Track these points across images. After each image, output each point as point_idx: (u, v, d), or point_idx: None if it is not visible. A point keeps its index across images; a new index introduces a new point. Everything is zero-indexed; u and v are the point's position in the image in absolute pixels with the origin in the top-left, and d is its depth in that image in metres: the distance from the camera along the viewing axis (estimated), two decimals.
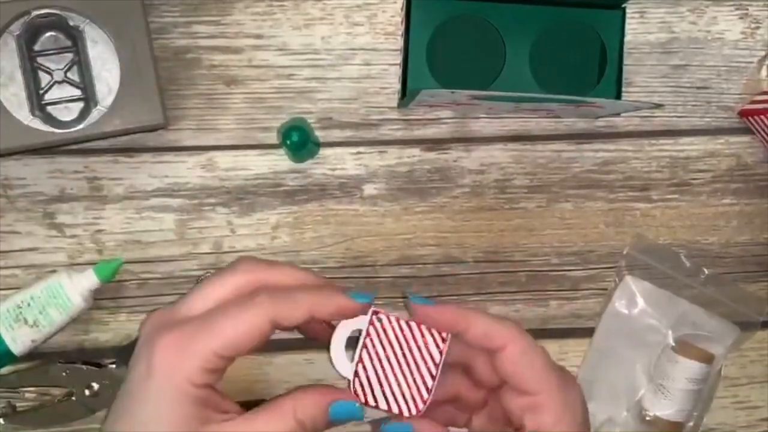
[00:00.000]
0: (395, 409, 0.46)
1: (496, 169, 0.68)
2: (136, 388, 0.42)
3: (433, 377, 0.47)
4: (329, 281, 0.48)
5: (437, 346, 0.47)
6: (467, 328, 0.46)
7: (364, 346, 0.47)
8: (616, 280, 0.69)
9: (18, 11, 0.59)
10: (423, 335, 0.47)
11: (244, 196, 0.66)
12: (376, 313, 0.47)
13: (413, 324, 0.47)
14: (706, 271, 0.68)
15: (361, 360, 0.47)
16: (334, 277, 0.67)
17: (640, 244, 0.69)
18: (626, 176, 0.69)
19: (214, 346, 0.42)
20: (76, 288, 0.61)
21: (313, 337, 0.50)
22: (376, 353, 0.47)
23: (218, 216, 0.66)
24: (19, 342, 0.61)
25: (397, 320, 0.47)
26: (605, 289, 0.69)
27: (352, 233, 0.67)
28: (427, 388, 0.47)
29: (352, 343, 0.48)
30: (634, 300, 0.68)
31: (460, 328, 0.47)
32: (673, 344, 0.67)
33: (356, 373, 0.47)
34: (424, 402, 0.46)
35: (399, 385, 0.47)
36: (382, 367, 0.47)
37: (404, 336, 0.47)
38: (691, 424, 0.68)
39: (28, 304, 0.61)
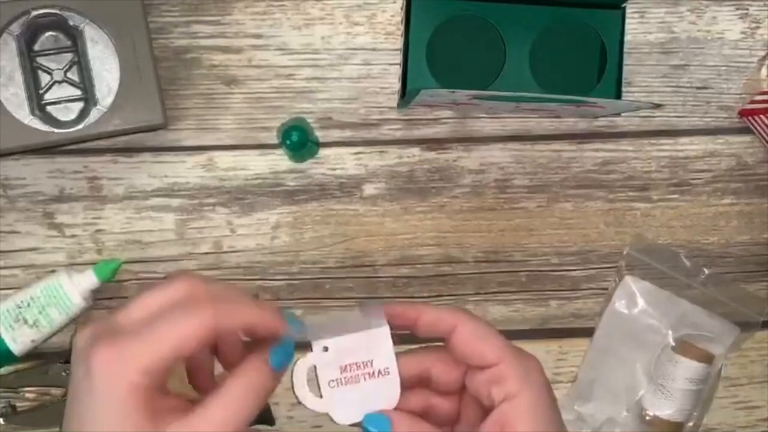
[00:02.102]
0: (379, 408, 0.47)
1: (496, 169, 0.68)
2: (81, 397, 0.41)
3: (390, 360, 0.48)
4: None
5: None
6: (417, 318, 0.47)
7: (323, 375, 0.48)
8: (616, 280, 0.69)
9: (18, 11, 0.59)
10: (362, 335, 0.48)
11: (244, 196, 0.66)
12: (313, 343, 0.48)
13: (348, 334, 0.48)
14: (706, 271, 0.68)
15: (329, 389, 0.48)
16: (334, 277, 0.67)
17: (640, 244, 0.69)
18: (626, 176, 0.69)
19: (151, 353, 0.41)
20: (75, 288, 0.61)
21: (225, 363, 0.48)
22: (336, 376, 0.48)
23: (218, 216, 0.66)
24: (19, 342, 0.61)
25: (334, 339, 0.48)
26: (605, 289, 0.69)
27: (352, 233, 0.67)
28: (392, 374, 0.48)
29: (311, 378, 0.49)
30: (634, 300, 0.68)
31: (411, 319, 0.48)
32: (673, 344, 0.67)
33: (332, 404, 0.48)
34: (396, 386, 0.48)
35: (371, 386, 0.48)
36: (348, 383, 0.48)
37: (348, 347, 0.48)
38: (691, 424, 0.68)
39: (28, 304, 0.61)
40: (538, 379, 0.46)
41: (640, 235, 0.69)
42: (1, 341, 0.60)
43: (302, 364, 0.48)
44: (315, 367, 0.48)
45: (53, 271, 0.63)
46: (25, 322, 0.61)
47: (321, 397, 0.48)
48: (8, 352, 0.61)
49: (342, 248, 0.67)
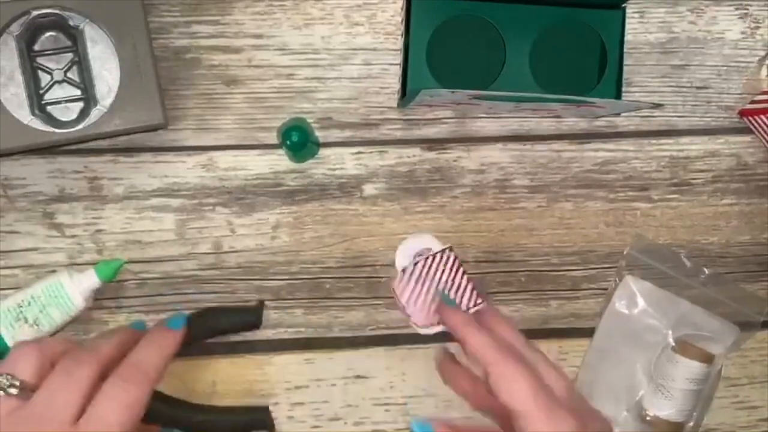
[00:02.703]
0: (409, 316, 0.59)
1: (496, 169, 0.68)
2: None
3: (475, 291, 0.60)
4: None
5: (474, 298, 0.60)
6: (463, 343, 0.52)
7: (423, 260, 0.60)
8: (616, 280, 0.69)
9: (18, 11, 0.59)
10: (468, 284, 0.61)
11: (244, 196, 0.66)
12: (450, 248, 0.61)
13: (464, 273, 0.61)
14: (707, 271, 0.68)
15: (415, 265, 0.60)
16: (334, 277, 0.67)
17: (640, 244, 0.69)
18: (626, 176, 0.69)
19: None
20: (76, 288, 0.61)
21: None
22: (428, 269, 0.60)
23: (218, 216, 0.66)
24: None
25: (459, 265, 0.61)
26: (605, 289, 0.69)
27: (352, 233, 0.67)
28: (474, 298, 0.60)
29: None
30: (634, 300, 0.68)
31: (459, 338, 0.53)
32: (673, 344, 0.67)
33: (404, 270, 0.60)
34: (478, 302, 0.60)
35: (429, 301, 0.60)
36: (424, 281, 0.60)
37: (451, 275, 0.60)
38: (691, 424, 0.68)
39: (29, 304, 0.61)
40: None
41: (641, 235, 0.69)
42: (2, 340, 0.60)
43: (405, 248, 0.62)
44: (406, 269, 0.60)
45: (53, 271, 0.63)
46: (26, 321, 0.61)
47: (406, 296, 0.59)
48: (8, 351, 0.60)
49: (342, 248, 0.67)
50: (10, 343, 0.60)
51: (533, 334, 0.69)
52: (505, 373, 0.49)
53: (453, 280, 0.61)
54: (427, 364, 0.67)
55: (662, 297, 0.68)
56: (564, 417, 0.47)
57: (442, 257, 0.61)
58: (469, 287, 0.62)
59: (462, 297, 0.61)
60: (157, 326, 0.54)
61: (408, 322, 0.59)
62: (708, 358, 0.66)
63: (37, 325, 0.61)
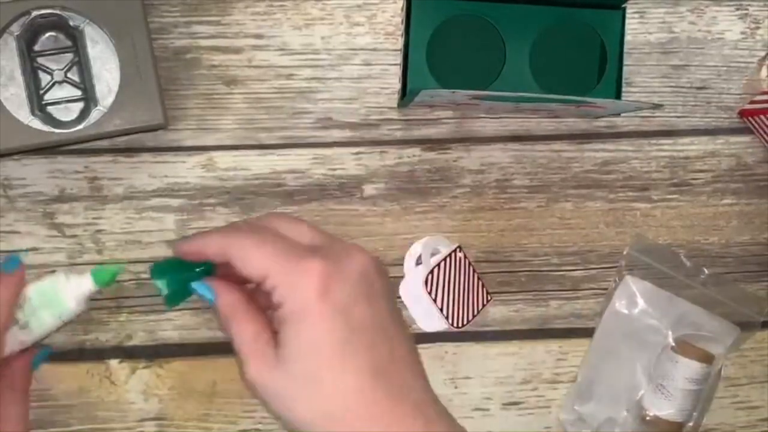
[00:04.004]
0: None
1: (496, 169, 0.68)
2: None
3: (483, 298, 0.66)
4: None
5: (485, 294, 0.67)
6: (204, 253, 0.47)
7: (438, 263, 0.64)
8: (616, 280, 0.69)
9: (18, 11, 0.59)
10: (479, 280, 0.66)
11: (244, 196, 0.66)
12: (459, 248, 0.66)
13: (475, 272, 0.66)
14: (706, 271, 0.68)
15: (435, 268, 0.64)
16: None
17: (640, 244, 0.69)
18: (626, 176, 0.69)
19: None
20: (71, 292, 0.60)
21: None
22: (447, 271, 0.64)
23: (218, 216, 0.66)
24: (8, 343, 0.60)
25: (469, 262, 0.66)
26: (605, 289, 0.69)
27: (352, 233, 0.67)
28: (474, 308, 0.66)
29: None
30: (634, 300, 0.68)
31: (202, 255, 0.47)
32: (673, 344, 0.67)
33: (428, 275, 0.64)
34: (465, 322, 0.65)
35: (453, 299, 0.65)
36: (448, 283, 0.65)
37: (466, 273, 0.65)
38: (691, 424, 0.68)
39: (20, 305, 0.60)
40: (309, 289, 0.43)
41: (640, 235, 0.69)
42: None
43: (414, 252, 0.66)
44: (438, 250, 0.66)
45: (53, 272, 0.63)
46: (16, 322, 0.60)
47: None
48: None
49: None
50: None
51: (533, 334, 0.69)
52: (238, 252, 0.44)
53: (469, 278, 0.65)
54: (427, 364, 0.67)
55: (662, 297, 0.68)
56: (301, 262, 0.43)
57: (454, 257, 0.65)
58: (481, 284, 0.66)
59: (477, 294, 0.66)
60: None
61: (411, 323, 0.60)
62: (708, 358, 0.66)
63: (28, 327, 0.60)
